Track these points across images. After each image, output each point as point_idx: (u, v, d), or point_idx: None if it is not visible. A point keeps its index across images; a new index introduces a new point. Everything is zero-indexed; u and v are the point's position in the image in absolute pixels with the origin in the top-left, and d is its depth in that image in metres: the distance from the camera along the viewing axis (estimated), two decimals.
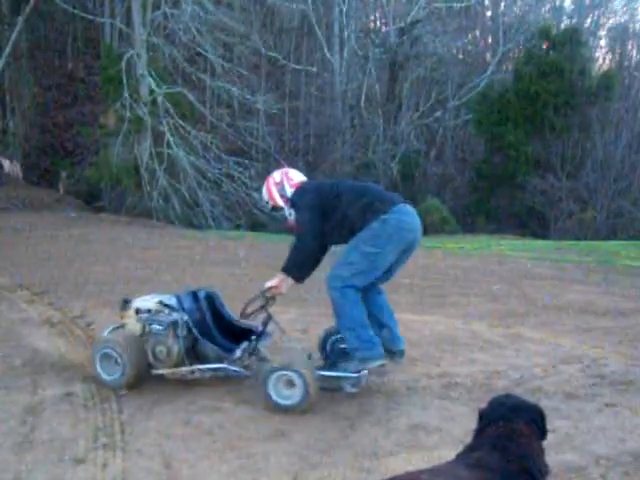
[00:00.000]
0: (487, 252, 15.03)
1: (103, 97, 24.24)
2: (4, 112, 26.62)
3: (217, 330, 5.47)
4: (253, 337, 5.15)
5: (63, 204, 22.94)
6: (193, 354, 5.12)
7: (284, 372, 4.62)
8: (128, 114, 21.39)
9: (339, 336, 5.21)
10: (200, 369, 5.03)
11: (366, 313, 4.86)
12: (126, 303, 5.32)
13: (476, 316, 7.80)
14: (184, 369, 5.03)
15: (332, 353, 5.39)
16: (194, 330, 5.11)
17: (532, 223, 27.43)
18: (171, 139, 21.82)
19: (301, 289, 5.82)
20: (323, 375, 4.85)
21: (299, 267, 4.97)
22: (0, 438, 4.11)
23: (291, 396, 4.61)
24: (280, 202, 5.13)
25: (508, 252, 14.99)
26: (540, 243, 18.28)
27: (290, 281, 5.00)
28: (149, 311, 5.16)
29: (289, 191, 5.10)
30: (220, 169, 23.00)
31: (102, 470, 3.73)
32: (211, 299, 5.59)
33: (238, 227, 22.42)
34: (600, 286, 10.73)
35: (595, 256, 14.45)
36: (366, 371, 4.84)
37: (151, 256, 12.50)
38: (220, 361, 5.02)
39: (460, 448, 2.74)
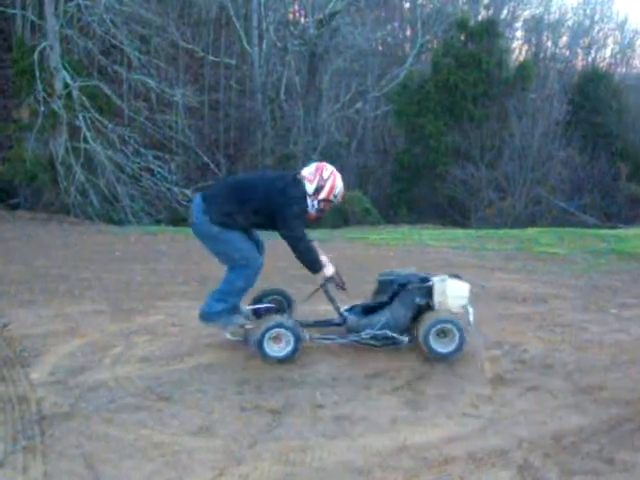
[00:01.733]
0: (409, 242, 15.15)
1: (16, 91, 23.58)
2: None
3: None
4: None
5: None
6: None
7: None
8: (42, 108, 20.86)
9: None
10: None
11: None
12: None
13: None
14: None
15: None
16: None
17: (453, 212, 27.84)
18: (87, 133, 21.38)
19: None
20: None
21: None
22: None
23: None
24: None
25: (429, 242, 15.15)
26: (461, 232, 18.55)
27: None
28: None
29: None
30: (139, 163, 22.66)
31: (23, 474, 3.63)
32: None
33: (159, 222, 22.11)
34: (520, 273, 10.94)
35: (514, 244, 14.72)
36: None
37: (69, 253, 12.21)
38: None
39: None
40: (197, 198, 5.61)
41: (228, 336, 5.84)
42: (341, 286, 5.75)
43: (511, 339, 6.39)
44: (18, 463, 3.75)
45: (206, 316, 5.65)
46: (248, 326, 5.72)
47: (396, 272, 6.10)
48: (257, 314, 5.94)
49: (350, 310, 5.90)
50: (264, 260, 5.69)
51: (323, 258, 5.63)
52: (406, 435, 4.19)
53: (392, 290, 5.80)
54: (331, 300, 5.74)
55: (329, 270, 5.59)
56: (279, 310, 6.00)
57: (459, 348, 5.47)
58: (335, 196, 5.60)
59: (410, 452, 3.97)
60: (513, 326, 6.95)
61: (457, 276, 5.88)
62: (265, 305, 6.05)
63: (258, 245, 5.77)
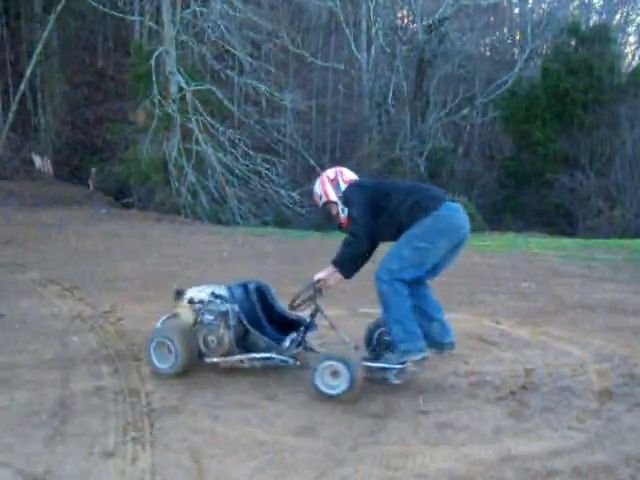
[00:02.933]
0: (515, 250, 14.91)
1: (133, 94, 24.40)
2: (35, 109, 26.87)
3: (267, 321, 5.60)
4: (301, 328, 5.25)
5: (93, 200, 23.09)
6: (243, 344, 5.27)
7: (331, 362, 4.72)
8: (157, 111, 21.53)
9: (384, 328, 5.27)
10: (249, 358, 5.19)
11: (412, 306, 4.92)
12: (179, 294, 5.54)
13: (504, 314, 7.75)
14: (234, 358, 5.21)
15: (378, 345, 5.45)
16: (244, 320, 5.26)
17: (560, 221, 27.19)
18: (199, 136, 21.90)
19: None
20: (368, 366, 4.93)
21: (350, 262, 5.04)
22: (31, 431, 4.16)
23: (337, 386, 4.70)
24: (334, 197, 5.18)
25: (536, 250, 14.87)
26: (568, 241, 18.12)
27: (338, 275, 5.08)
28: (201, 302, 5.34)
29: (343, 187, 5.18)
30: (247, 166, 23.06)
31: (131, 464, 3.76)
32: (261, 291, 5.74)
33: (265, 224, 22.46)
34: (629, 284, 10.61)
35: (624, 254, 14.28)
36: (409, 364, 4.92)
37: (179, 252, 12.57)
38: (269, 351, 5.15)
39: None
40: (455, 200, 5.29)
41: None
42: (315, 296, 5.22)
43: (621, 352, 6.21)
44: (127, 453, 3.89)
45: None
46: None
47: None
48: None
49: None
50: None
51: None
52: (509, 446, 4.10)
53: None
54: (314, 302, 5.24)
55: (332, 278, 5.13)
56: None
57: None
58: (320, 197, 5.32)
59: (513, 463, 3.89)
60: (623, 339, 6.75)
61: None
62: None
63: None
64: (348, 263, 5.03)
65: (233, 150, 22.91)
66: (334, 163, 28.96)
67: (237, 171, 22.84)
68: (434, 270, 5.11)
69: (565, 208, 27.26)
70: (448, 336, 5.15)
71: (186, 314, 5.41)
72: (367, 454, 3.96)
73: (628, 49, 41.74)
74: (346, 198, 5.11)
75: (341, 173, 5.31)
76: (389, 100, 31.13)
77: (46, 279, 9.07)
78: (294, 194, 23.43)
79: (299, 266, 10.64)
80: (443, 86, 33.43)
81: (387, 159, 29.41)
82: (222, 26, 22.54)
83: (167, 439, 4.09)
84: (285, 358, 5.14)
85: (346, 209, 5.08)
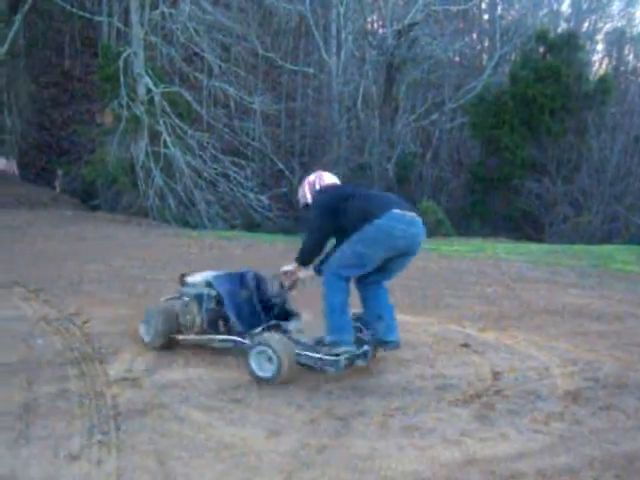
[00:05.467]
0: (482, 255, 15.03)
1: (100, 96, 24.20)
2: (1, 110, 26.54)
3: (261, 308, 6.03)
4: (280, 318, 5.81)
5: (59, 202, 22.91)
6: (225, 327, 5.76)
7: (263, 348, 5.08)
8: (125, 113, 21.37)
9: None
10: (215, 339, 5.73)
11: (348, 301, 5.28)
12: (182, 277, 6.15)
13: (470, 318, 7.82)
14: (203, 337, 5.79)
15: None
16: (226, 304, 5.70)
17: (527, 226, 27.45)
18: (168, 138, 21.79)
19: None
20: (304, 354, 5.23)
21: (302, 254, 5.48)
22: None
23: (269, 369, 5.06)
24: (310, 199, 5.61)
25: (503, 255, 14.99)
26: (535, 247, 18.28)
27: (308, 270, 5.61)
28: (193, 285, 5.98)
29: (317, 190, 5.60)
30: (216, 169, 23.00)
31: (97, 467, 3.73)
32: (258, 280, 6.20)
33: (233, 227, 22.41)
34: (595, 290, 10.75)
35: (590, 260, 14.46)
36: (344, 355, 5.15)
37: (146, 255, 12.49)
38: (241, 335, 5.54)
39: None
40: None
41: None
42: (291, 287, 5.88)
43: (585, 357, 6.30)
44: (93, 456, 3.85)
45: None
46: None
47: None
48: None
49: None
50: None
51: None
52: (475, 449, 4.14)
53: None
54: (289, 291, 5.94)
55: (300, 271, 5.68)
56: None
57: None
58: (300, 199, 5.80)
59: (478, 466, 3.92)
60: (587, 344, 6.84)
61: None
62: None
63: None
64: (301, 254, 5.46)
65: (202, 153, 22.83)
66: (303, 167, 29.12)
67: (205, 174, 22.76)
68: (387, 273, 5.50)
69: (532, 214, 27.52)
70: (392, 335, 5.44)
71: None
72: (334, 457, 3.97)
73: (596, 57, 42.34)
74: (313, 200, 5.52)
75: (320, 177, 5.72)
76: (358, 105, 31.22)
77: (11, 281, 8.95)
78: (263, 198, 23.41)
79: (268, 270, 10.62)
80: (412, 91, 33.62)
81: (356, 164, 29.51)
82: (191, 28, 22.43)
83: (133, 442, 4.06)
84: (245, 341, 5.43)
85: None
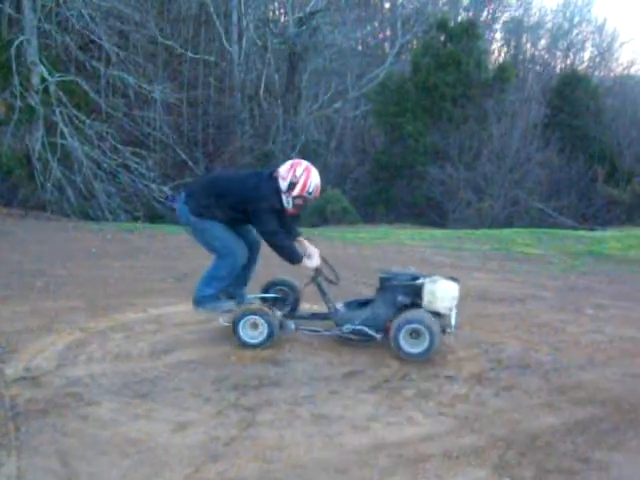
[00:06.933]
0: (387, 241, 15.16)
1: None
2: None
3: None
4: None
5: None
6: None
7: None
8: (19, 103, 20.64)
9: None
10: None
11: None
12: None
13: None
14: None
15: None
16: None
17: (431, 213, 27.89)
18: (65, 129, 21.17)
19: None
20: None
21: (289, 253, 5.80)
22: None
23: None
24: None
25: (407, 241, 15.16)
26: (439, 232, 18.58)
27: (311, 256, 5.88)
28: None
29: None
30: (116, 160, 22.48)
31: None
32: None
33: (136, 219, 21.96)
34: (497, 273, 10.99)
35: (492, 244, 14.77)
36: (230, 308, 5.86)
37: (45, 249, 12.09)
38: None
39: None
40: (182, 191, 5.99)
41: (221, 321, 5.95)
42: (330, 280, 5.94)
43: (488, 339, 6.42)
44: None
45: (196, 300, 5.91)
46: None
47: (394, 270, 6.16)
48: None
49: (347, 305, 6.06)
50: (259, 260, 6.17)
51: (312, 250, 5.85)
52: (383, 433, 4.20)
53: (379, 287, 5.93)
54: (322, 292, 5.90)
55: (313, 262, 5.78)
56: (285, 301, 6.23)
57: (429, 349, 5.48)
58: (309, 193, 5.71)
59: (386, 450, 3.98)
60: (490, 326, 6.98)
61: (454, 278, 5.91)
62: (271, 295, 6.26)
63: (250, 243, 6.00)
64: (287, 255, 5.77)
65: (101, 144, 22.25)
66: (207, 157, 28.78)
67: (105, 165, 22.23)
68: None
69: (435, 200, 27.95)
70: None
71: None
72: (242, 448, 3.96)
73: (495, 45, 43.38)
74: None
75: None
76: (261, 93, 31.07)
77: None
78: (165, 188, 23.01)
79: (171, 261, 10.48)
80: (315, 79, 33.65)
81: (260, 152, 29.35)
82: (87, 15, 21.82)
83: (34, 443, 3.93)
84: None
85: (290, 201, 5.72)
